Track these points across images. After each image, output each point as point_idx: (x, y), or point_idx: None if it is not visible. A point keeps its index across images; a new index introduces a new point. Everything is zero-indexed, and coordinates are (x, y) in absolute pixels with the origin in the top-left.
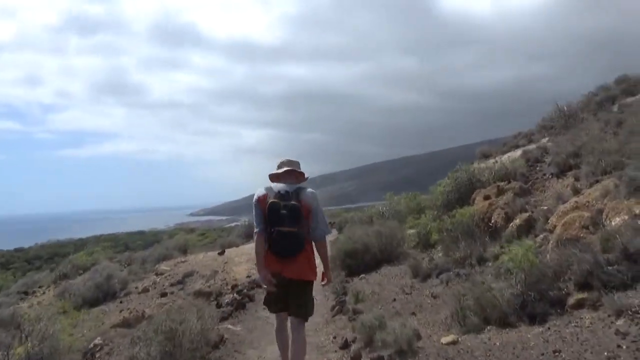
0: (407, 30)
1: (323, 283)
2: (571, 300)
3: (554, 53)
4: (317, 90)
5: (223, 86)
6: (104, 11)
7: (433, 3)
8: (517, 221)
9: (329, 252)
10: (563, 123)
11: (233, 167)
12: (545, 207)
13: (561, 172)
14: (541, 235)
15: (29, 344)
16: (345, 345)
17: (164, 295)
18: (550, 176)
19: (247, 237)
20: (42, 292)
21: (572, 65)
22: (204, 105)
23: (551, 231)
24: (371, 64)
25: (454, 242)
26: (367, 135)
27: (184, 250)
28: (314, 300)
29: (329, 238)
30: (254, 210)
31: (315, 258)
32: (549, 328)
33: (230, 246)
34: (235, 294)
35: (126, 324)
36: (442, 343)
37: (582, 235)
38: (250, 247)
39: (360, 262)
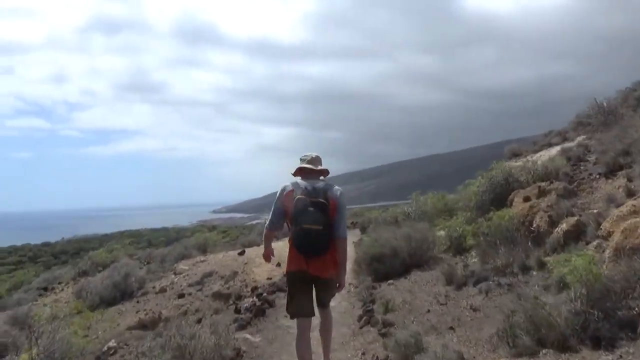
0: (427, 28)
1: (336, 288)
2: None
3: (576, 52)
4: (336, 88)
5: (244, 84)
6: (127, 12)
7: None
8: (564, 226)
9: (353, 254)
10: (602, 120)
11: (254, 165)
12: (596, 211)
13: (610, 172)
14: (594, 243)
15: (34, 351)
16: None
17: (181, 296)
18: (597, 176)
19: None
20: (61, 288)
21: (593, 64)
22: (226, 103)
23: (605, 238)
24: (391, 62)
25: (491, 248)
26: (387, 134)
27: (204, 249)
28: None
29: (353, 239)
30: (274, 204)
31: None
32: (620, 356)
33: (250, 245)
34: (255, 298)
35: (142, 325)
36: None
37: None
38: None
39: (388, 266)
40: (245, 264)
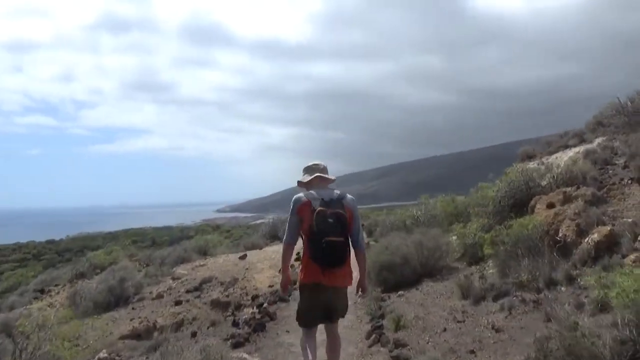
0: (434, 28)
1: (359, 294)
2: None
3: (587, 51)
4: (342, 88)
5: (250, 84)
6: (136, 11)
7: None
8: (595, 236)
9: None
10: (625, 120)
11: (259, 164)
12: (630, 220)
13: None
14: (631, 257)
15: None
16: None
17: (178, 303)
18: (629, 182)
19: (272, 237)
20: (57, 291)
21: (603, 64)
22: (232, 103)
23: None
24: (397, 62)
25: (512, 259)
26: (392, 134)
27: (204, 252)
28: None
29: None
30: (290, 218)
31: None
32: None
33: (253, 248)
34: (255, 308)
35: (135, 334)
36: None
37: None
38: (273, 251)
39: (398, 276)
40: (247, 269)
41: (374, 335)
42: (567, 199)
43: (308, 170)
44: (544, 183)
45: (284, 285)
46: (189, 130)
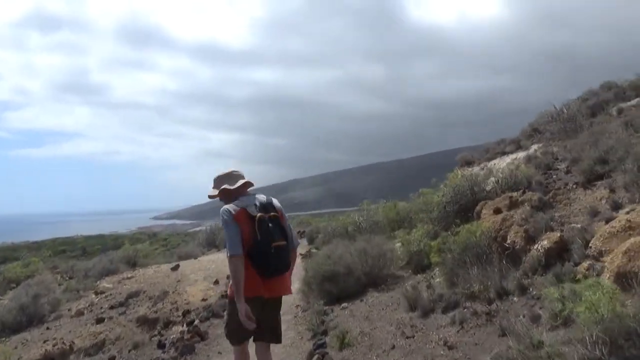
0: (375, 38)
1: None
2: None
3: (515, 66)
4: (284, 95)
5: (190, 88)
6: (68, 9)
7: (401, 12)
8: (545, 243)
9: (301, 271)
10: (561, 127)
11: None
12: (579, 225)
13: (587, 182)
14: (584, 264)
15: None
16: None
17: (100, 321)
18: (574, 186)
19: (209, 245)
20: None
21: (531, 78)
22: (171, 107)
23: (597, 258)
24: (339, 70)
25: (460, 267)
26: (334, 141)
27: (133, 263)
28: None
29: (300, 250)
30: (229, 230)
31: None
32: None
33: (188, 257)
34: (185, 326)
35: (48, 359)
36: None
37: None
38: (209, 260)
39: (341, 287)
40: (178, 281)
41: (316, 355)
42: (514, 204)
43: (228, 178)
44: (488, 188)
45: (248, 315)
46: (125, 134)
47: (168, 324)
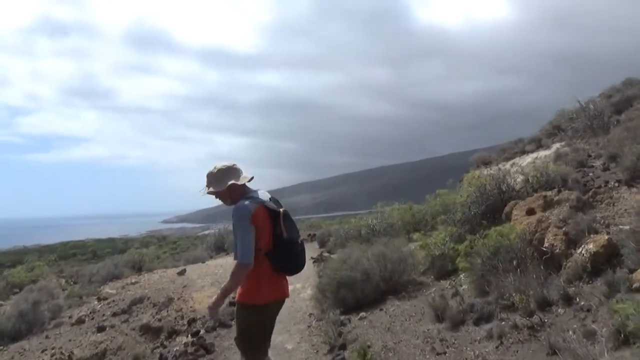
0: (380, 41)
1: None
2: None
3: (520, 67)
4: (291, 99)
5: (197, 92)
6: (76, 14)
7: (406, 15)
8: (591, 246)
9: (313, 277)
10: (587, 124)
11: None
12: (628, 227)
13: (632, 179)
14: None
15: None
16: None
17: (101, 329)
18: (616, 184)
19: (218, 249)
20: None
21: (536, 79)
22: (178, 111)
23: None
24: (345, 73)
25: (491, 273)
26: (341, 145)
27: (139, 268)
28: None
29: (312, 253)
30: (245, 233)
31: None
32: None
33: (195, 261)
34: (189, 337)
35: None
36: None
37: None
38: (217, 264)
39: (359, 294)
40: (185, 287)
41: None
42: (549, 204)
43: (234, 172)
44: (518, 187)
45: (217, 317)
46: (133, 139)
47: (172, 334)
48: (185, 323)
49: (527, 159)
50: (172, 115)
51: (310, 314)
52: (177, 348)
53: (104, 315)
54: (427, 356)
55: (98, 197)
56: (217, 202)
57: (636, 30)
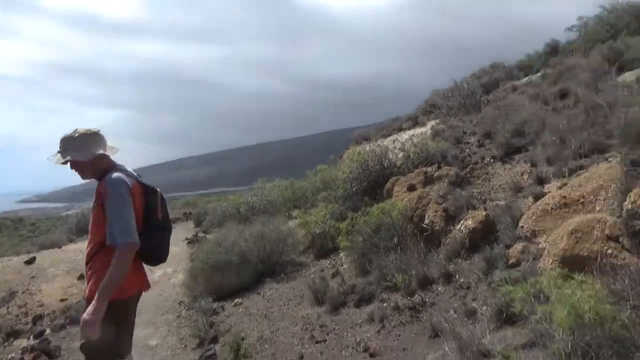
0: (265, 16)
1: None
2: None
3: (398, 51)
4: (172, 71)
5: (64, 60)
6: None
7: None
8: (469, 222)
9: (185, 260)
10: (461, 102)
11: None
12: (503, 202)
13: (505, 156)
14: (518, 247)
15: None
16: None
17: None
18: (491, 160)
19: (80, 231)
20: None
21: (413, 63)
22: (42, 79)
23: (530, 240)
24: (230, 48)
25: (372, 251)
26: (226, 120)
27: None
28: None
29: (186, 233)
30: (125, 208)
31: None
32: None
33: (52, 247)
34: (32, 338)
35: None
36: None
37: (610, 251)
38: (76, 249)
39: (234, 279)
40: (32, 277)
41: None
42: (429, 180)
43: (96, 140)
44: (399, 163)
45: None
46: None
47: (11, 335)
48: (30, 321)
49: (404, 136)
50: (33, 84)
51: (181, 302)
52: (13, 355)
53: None
54: (306, 345)
55: None
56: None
57: (502, 18)
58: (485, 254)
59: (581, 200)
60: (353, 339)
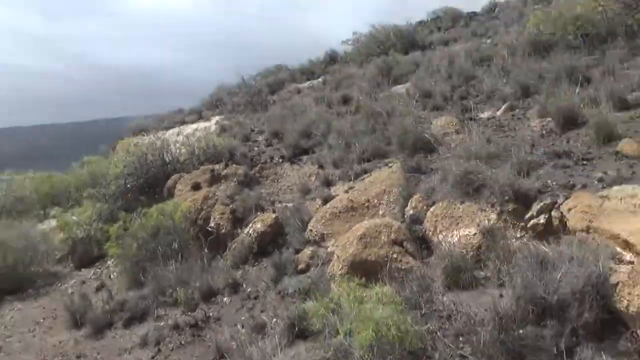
0: None
1: None
2: None
3: (188, 44)
4: None
5: None
6: None
7: None
8: (258, 225)
9: None
10: (248, 100)
11: None
12: (291, 205)
13: (294, 156)
14: (307, 251)
15: None
16: None
17: None
18: (280, 160)
19: None
20: None
21: (202, 55)
22: None
23: (318, 243)
24: None
25: (149, 259)
26: None
27: None
28: None
29: None
30: None
31: None
32: None
33: None
34: None
35: None
36: None
37: (395, 256)
38: None
39: None
40: None
41: None
42: (216, 179)
43: None
44: (182, 159)
45: None
46: None
47: None
48: None
49: (187, 130)
50: None
51: None
52: None
53: None
54: None
55: None
56: None
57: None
58: (274, 259)
59: (366, 204)
60: None
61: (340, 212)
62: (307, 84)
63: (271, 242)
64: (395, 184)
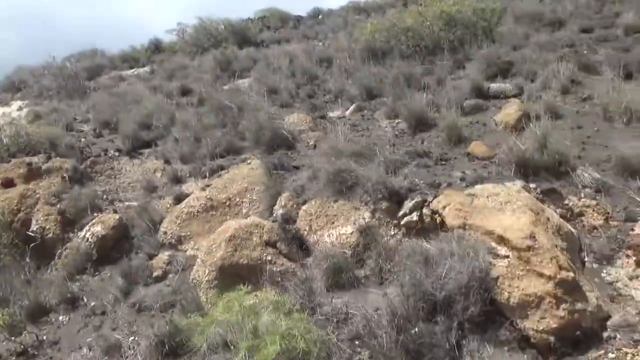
0: None
1: None
2: None
3: None
4: None
5: None
6: None
7: None
8: (98, 228)
9: None
10: (63, 84)
11: None
12: (137, 204)
13: (133, 150)
14: (162, 256)
15: None
16: None
17: None
18: (117, 154)
19: None
20: None
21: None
22: None
23: (175, 247)
24: None
25: None
26: None
27: None
28: None
29: None
30: None
31: None
32: None
33: None
34: None
35: None
36: None
37: (270, 258)
38: None
39: None
40: None
41: None
42: (35, 174)
43: None
44: None
45: None
46: None
47: None
48: None
49: None
50: None
51: None
52: None
53: None
54: None
55: None
56: None
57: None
58: (122, 267)
59: (228, 202)
60: None
61: (198, 211)
62: (131, 71)
63: (115, 247)
64: (257, 181)
